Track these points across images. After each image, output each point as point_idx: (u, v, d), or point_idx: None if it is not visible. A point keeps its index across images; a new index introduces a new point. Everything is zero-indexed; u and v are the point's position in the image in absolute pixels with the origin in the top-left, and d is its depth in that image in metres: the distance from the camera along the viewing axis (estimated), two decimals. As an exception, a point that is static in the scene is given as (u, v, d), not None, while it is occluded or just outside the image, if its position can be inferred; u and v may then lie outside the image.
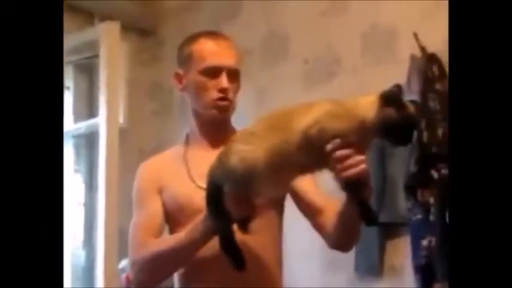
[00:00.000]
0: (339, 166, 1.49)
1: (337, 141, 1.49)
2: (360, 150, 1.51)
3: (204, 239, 1.66)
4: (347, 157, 1.49)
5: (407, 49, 2.99)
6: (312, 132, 1.51)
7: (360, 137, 1.51)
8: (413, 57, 2.96)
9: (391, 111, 1.49)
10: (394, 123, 1.49)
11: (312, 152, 1.51)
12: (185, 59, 1.89)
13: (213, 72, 1.83)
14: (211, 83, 1.83)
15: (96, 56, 3.69)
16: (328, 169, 1.53)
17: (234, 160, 1.55)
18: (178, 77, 1.92)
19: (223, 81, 1.82)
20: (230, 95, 1.85)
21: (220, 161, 1.60)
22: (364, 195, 1.55)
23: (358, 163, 1.49)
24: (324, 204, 1.80)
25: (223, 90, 1.83)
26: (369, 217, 1.56)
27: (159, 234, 1.81)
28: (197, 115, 1.90)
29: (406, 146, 1.58)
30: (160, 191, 1.85)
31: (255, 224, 1.65)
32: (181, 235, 1.71)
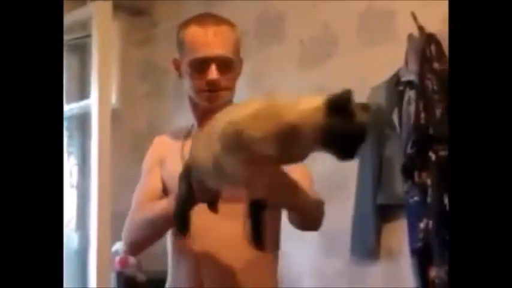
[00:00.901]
0: (247, 184, 1.42)
1: (243, 155, 1.37)
2: (280, 159, 1.39)
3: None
4: (253, 175, 1.40)
5: (405, 29, 2.95)
6: (228, 133, 1.40)
7: (288, 145, 1.35)
8: (411, 37, 2.92)
9: (336, 121, 1.30)
10: (339, 134, 1.30)
11: (233, 153, 1.41)
12: (179, 47, 1.86)
13: (202, 63, 1.79)
14: (200, 74, 1.80)
15: (88, 36, 3.64)
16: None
17: (190, 154, 1.59)
18: (176, 63, 1.89)
19: (211, 73, 1.78)
20: (222, 85, 1.81)
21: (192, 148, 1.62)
22: (260, 219, 1.46)
23: (262, 186, 1.41)
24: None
25: (211, 83, 1.79)
26: (256, 242, 1.46)
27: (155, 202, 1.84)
28: (192, 103, 1.89)
29: (349, 160, 1.33)
30: (161, 167, 1.89)
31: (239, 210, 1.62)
32: (161, 202, 1.75)
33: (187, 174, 1.59)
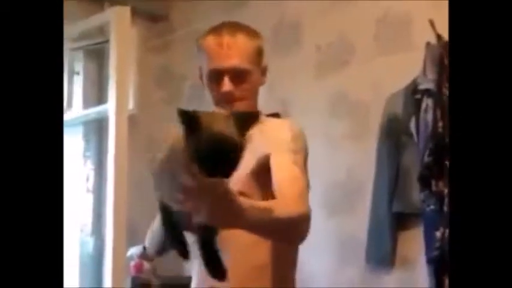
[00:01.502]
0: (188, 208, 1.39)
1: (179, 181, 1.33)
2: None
3: None
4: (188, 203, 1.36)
5: (423, 37, 2.93)
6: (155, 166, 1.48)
7: (168, 166, 1.37)
8: (429, 45, 2.90)
9: (188, 138, 1.29)
10: (194, 149, 1.28)
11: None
12: (199, 55, 1.88)
13: (216, 74, 1.81)
14: (216, 86, 1.82)
15: (107, 41, 3.66)
16: None
17: None
18: (200, 72, 1.91)
19: (225, 85, 1.80)
20: (237, 96, 1.81)
21: None
22: (212, 247, 1.41)
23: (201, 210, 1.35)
24: (276, 192, 1.67)
25: (225, 94, 1.81)
26: (214, 272, 1.42)
27: None
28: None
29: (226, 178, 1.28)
30: None
31: None
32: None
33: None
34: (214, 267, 1.42)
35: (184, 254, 1.58)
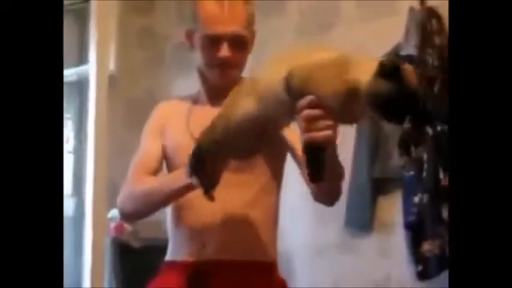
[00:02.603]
0: (303, 125, 1.38)
1: (310, 97, 1.36)
2: (338, 116, 1.37)
3: (185, 190, 1.68)
4: (314, 118, 1.36)
5: (406, 1, 2.92)
6: (293, 79, 1.39)
7: (346, 103, 1.35)
8: (412, 10, 2.89)
9: (386, 85, 1.30)
10: (388, 98, 1.30)
11: (287, 101, 1.40)
12: (191, 18, 1.83)
13: (214, 40, 1.77)
14: (212, 50, 1.78)
15: (87, 0, 3.61)
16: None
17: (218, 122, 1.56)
18: (188, 35, 1.85)
19: (223, 50, 1.76)
20: (233, 62, 1.79)
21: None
22: (319, 160, 1.42)
23: (325, 128, 1.36)
24: None
25: (223, 60, 1.77)
26: (314, 175, 1.43)
27: (154, 173, 1.83)
28: (202, 75, 1.87)
29: (400, 125, 1.39)
30: (162, 134, 1.87)
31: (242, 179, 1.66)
32: (165, 179, 1.75)
33: (197, 154, 1.57)
34: (318, 172, 1.43)
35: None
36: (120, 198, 1.82)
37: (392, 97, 1.30)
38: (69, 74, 3.88)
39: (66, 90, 4.04)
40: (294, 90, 1.39)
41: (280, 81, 1.41)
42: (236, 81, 1.76)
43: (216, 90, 1.82)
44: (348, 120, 1.42)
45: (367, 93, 1.32)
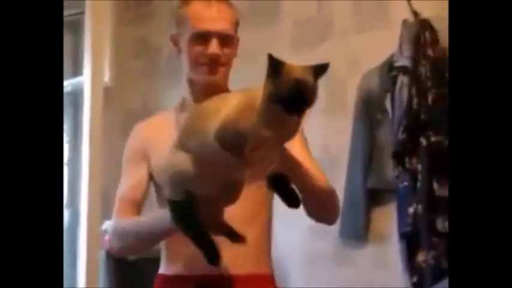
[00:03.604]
0: (257, 168, 1.51)
1: (249, 145, 1.46)
2: (279, 138, 1.49)
3: (168, 233, 1.71)
4: (261, 159, 1.48)
5: (400, 14, 2.94)
6: (223, 134, 1.49)
7: (273, 124, 1.46)
8: (405, 22, 2.91)
9: (270, 85, 1.44)
10: (277, 95, 1.43)
11: (232, 152, 1.49)
12: (179, 22, 1.84)
13: (203, 37, 1.79)
14: (201, 49, 1.79)
15: (82, 12, 3.62)
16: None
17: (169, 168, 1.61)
18: (174, 39, 1.87)
19: (213, 46, 1.78)
20: (222, 60, 1.80)
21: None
22: (285, 186, 1.56)
23: (273, 161, 1.50)
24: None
25: (212, 56, 1.79)
26: (291, 202, 1.57)
27: (140, 204, 1.84)
28: (190, 81, 1.87)
29: (304, 112, 1.46)
30: (148, 158, 1.84)
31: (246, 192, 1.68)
32: (147, 222, 1.75)
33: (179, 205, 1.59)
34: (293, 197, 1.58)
35: (215, 256, 1.61)
36: (110, 235, 1.84)
37: (282, 92, 1.42)
38: (64, 85, 3.88)
39: (60, 101, 4.05)
40: (228, 146, 1.49)
41: (212, 142, 1.50)
42: (224, 82, 1.83)
43: (205, 92, 1.81)
44: (289, 131, 1.51)
45: (265, 97, 1.44)
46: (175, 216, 1.60)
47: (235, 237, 1.65)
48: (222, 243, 1.71)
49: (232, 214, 1.72)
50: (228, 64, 1.84)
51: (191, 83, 1.86)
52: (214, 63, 1.80)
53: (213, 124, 1.50)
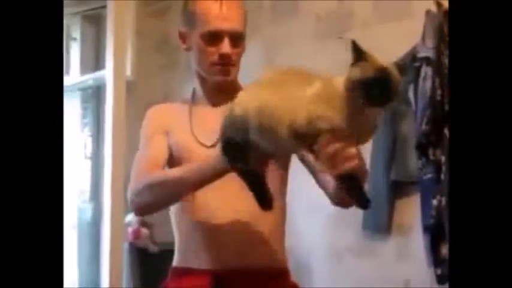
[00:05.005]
0: (329, 163, 1.40)
1: (325, 137, 1.39)
2: (355, 134, 1.41)
3: (214, 177, 1.64)
4: (337, 153, 1.39)
5: (423, 4, 2.91)
6: (299, 127, 1.42)
7: (353, 117, 1.39)
8: (428, 13, 2.88)
9: (356, 70, 1.39)
10: (362, 80, 1.37)
11: (303, 143, 1.44)
12: (188, 19, 1.83)
13: (215, 36, 1.77)
14: (212, 48, 1.78)
15: (104, 6, 3.63)
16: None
17: (237, 109, 1.54)
18: (182, 36, 1.87)
19: (225, 46, 1.77)
20: (233, 60, 1.79)
21: (229, 110, 1.58)
22: (357, 186, 1.47)
23: (349, 158, 1.39)
24: None
25: (224, 56, 1.78)
26: (361, 203, 1.50)
27: (162, 168, 1.79)
28: (200, 77, 1.86)
29: (384, 106, 1.39)
30: (166, 134, 1.84)
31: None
32: (190, 166, 1.69)
33: (229, 145, 1.55)
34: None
35: (269, 200, 1.59)
36: (132, 191, 1.76)
37: (368, 77, 1.37)
38: (87, 79, 3.91)
39: (83, 95, 4.08)
40: (303, 136, 1.43)
41: (283, 134, 1.44)
42: (234, 80, 1.80)
43: (216, 90, 1.82)
44: (366, 131, 1.45)
45: (349, 82, 1.39)
46: (231, 157, 1.56)
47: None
48: (235, 237, 1.74)
49: (244, 207, 1.72)
50: (238, 63, 1.83)
51: (202, 79, 1.86)
52: (226, 63, 1.79)
53: (289, 114, 1.44)
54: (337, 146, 1.38)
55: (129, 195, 1.77)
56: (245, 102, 1.53)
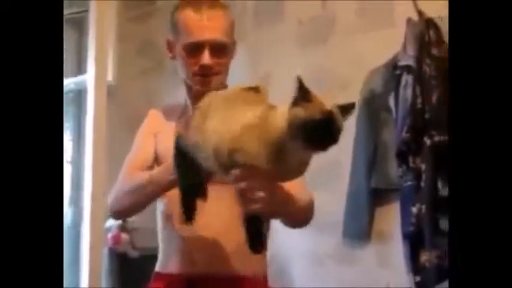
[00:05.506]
0: (239, 198, 1.41)
1: (237, 171, 1.38)
2: (276, 175, 1.39)
3: (171, 186, 1.67)
4: (244, 191, 1.39)
5: (404, 13, 2.93)
6: (221, 154, 1.41)
7: (276, 157, 1.35)
8: (410, 21, 2.90)
9: (300, 110, 1.31)
10: (305, 122, 1.30)
11: (223, 169, 1.43)
12: (173, 28, 1.85)
13: (196, 47, 1.79)
14: (193, 59, 1.79)
15: (86, 10, 3.61)
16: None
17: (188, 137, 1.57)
18: (169, 45, 1.88)
19: (205, 57, 1.78)
20: (215, 70, 1.80)
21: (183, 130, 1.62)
22: (256, 228, 1.46)
23: (255, 200, 1.39)
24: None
25: (204, 67, 1.79)
26: (255, 246, 1.47)
27: (147, 169, 1.83)
28: (186, 85, 1.89)
29: (324, 150, 1.34)
30: (155, 136, 1.89)
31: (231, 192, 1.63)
32: (154, 172, 1.74)
33: (181, 157, 1.58)
34: (258, 244, 1.48)
35: (192, 217, 1.60)
36: (111, 196, 1.82)
37: (310, 119, 1.30)
38: (68, 83, 3.88)
39: (64, 99, 4.04)
40: (223, 164, 1.42)
41: (210, 156, 1.45)
42: (220, 87, 1.79)
43: (200, 98, 1.82)
44: (296, 170, 1.42)
45: (288, 125, 1.31)
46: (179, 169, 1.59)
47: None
48: (216, 242, 1.75)
49: (223, 212, 1.73)
50: (222, 72, 1.83)
51: (188, 87, 1.88)
52: (207, 74, 1.80)
53: (217, 135, 1.44)
54: (245, 184, 1.38)
55: (109, 199, 1.83)
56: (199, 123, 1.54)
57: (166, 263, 1.85)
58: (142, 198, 1.75)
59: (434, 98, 2.74)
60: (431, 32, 2.81)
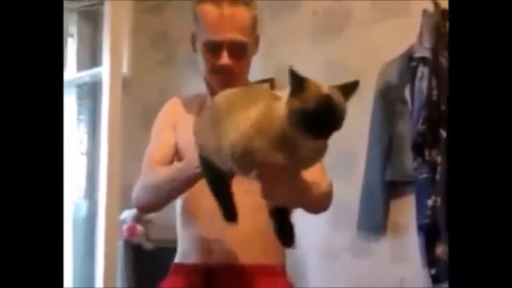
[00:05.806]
0: (261, 193, 1.41)
1: (256, 172, 1.36)
2: (293, 164, 1.36)
3: (195, 180, 1.66)
4: (270, 185, 1.39)
5: (420, 4, 2.91)
6: (235, 157, 1.40)
7: (288, 148, 1.33)
8: (425, 13, 2.88)
9: (295, 101, 1.28)
10: (302, 113, 1.27)
11: (243, 171, 1.42)
12: (194, 20, 1.81)
13: (215, 46, 1.74)
14: (212, 57, 1.76)
15: (101, 3, 3.62)
16: None
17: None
18: (192, 38, 1.84)
19: (223, 58, 1.74)
20: (234, 70, 1.76)
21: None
22: (284, 222, 1.47)
23: (282, 195, 1.40)
24: None
25: (223, 67, 1.75)
26: (286, 240, 1.48)
27: (168, 163, 1.82)
28: (205, 79, 1.86)
29: (328, 137, 1.31)
30: (174, 129, 1.87)
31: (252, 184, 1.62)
32: (176, 168, 1.73)
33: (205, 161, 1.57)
34: (288, 235, 1.50)
35: (232, 214, 1.58)
36: (134, 191, 1.80)
37: (306, 108, 1.27)
38: (83, 76, 3.90)
39: (79, 92, 4.06)
40: (242, 166, 1.40)
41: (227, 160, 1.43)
42: (240, 84, 1.75)
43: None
44: (305, 162, 1.39)
45: (287, 117, 1.29)
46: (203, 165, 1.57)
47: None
48: (232, 233, 1.73)
49: (241, 203, 1.72)
50: (242, 73, 1.81)
51: (207, 82, 1.86)
52: (226, 73, 1.76)
53: (228, 139, 1.42)
54: (268, 180, 1.37)
55: (133, 194, 1.82)
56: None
57: (184, 254, 1.85)
58: (164, 194, 1.73)
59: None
60: (447, 23, 2.79)
